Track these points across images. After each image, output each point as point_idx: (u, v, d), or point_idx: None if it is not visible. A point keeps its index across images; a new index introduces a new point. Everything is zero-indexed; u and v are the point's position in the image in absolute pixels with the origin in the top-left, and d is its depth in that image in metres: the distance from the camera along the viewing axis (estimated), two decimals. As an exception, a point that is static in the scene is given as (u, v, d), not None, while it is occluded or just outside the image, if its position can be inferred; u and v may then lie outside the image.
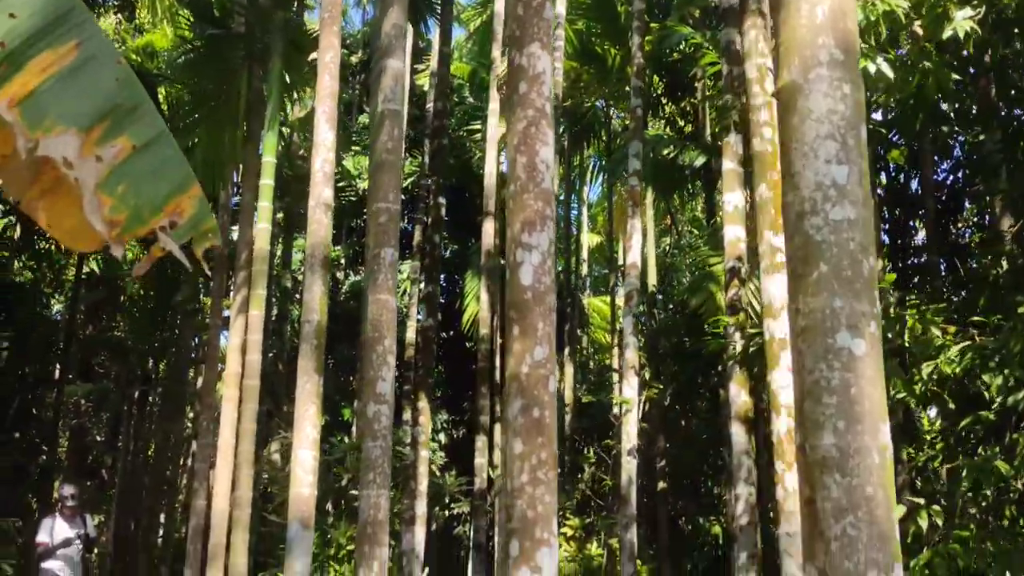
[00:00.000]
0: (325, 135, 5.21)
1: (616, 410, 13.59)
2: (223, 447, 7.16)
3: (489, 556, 12.12)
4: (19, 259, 14.56)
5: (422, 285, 16.09)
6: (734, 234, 7.44)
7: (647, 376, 10.56)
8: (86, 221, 2.33)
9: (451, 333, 17.73)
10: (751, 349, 6.45)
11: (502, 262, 15.59)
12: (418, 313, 15.10)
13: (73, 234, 2.47)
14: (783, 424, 3.88)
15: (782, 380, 4.00)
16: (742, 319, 7.22)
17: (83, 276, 14.78)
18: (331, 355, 18.13)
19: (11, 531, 10.82)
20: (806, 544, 1.68)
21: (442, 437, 17.19)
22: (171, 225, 2.47)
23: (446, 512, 16.82)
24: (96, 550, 11.28)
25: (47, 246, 13.27)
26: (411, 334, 14.34)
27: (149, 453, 15.36)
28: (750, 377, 7.14)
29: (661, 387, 10.22)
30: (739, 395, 7.08)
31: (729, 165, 7.49)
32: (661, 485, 11.38)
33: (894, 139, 9.25)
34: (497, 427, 14.42)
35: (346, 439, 10.52)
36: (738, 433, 7.04)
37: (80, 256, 14.40)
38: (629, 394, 8.61)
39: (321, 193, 5.17)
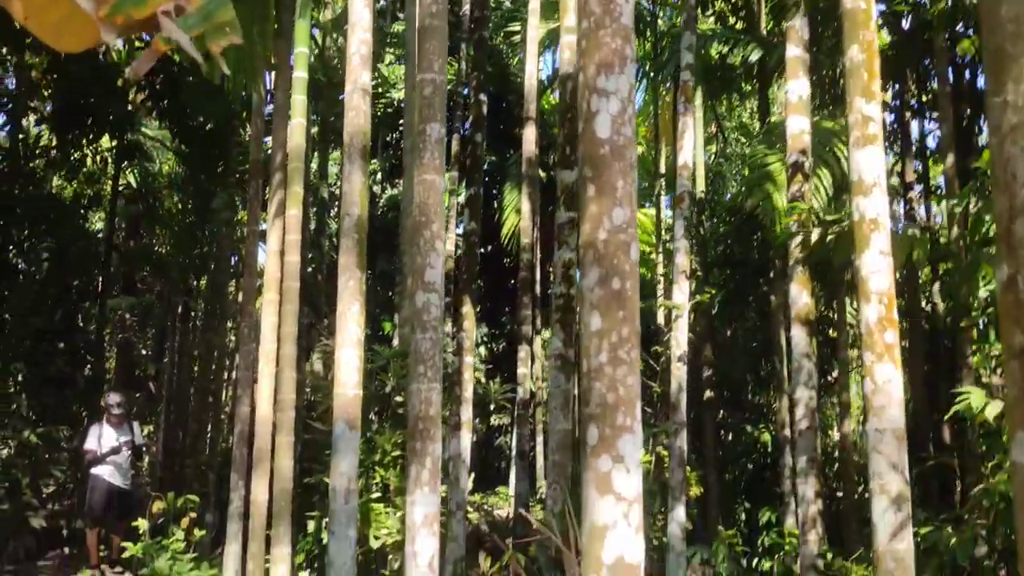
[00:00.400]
0: (361, 13, 4.81)
1: (662, 318, 13.31)
2: (265, 352, 7.00)
3: (531, 465, 12.12)
4: (57, 174, 14.46)
5: (460, 198, 15.77)
6: (798, 126, 6.97)
7: (693, 285, 10.23)
8: (72, 7, 1.96)
9: (489, 248, 17.46)
10: (829, 237, 6.04)
11: (542, 173, 15.18)
12: (457, 225, 14.82)
13: (58, 29, 2.13)
14: (873, 312, 3.54)
15: (872, 264, 3.64)
16: (805, 215, 6.81)
17: (120, 189, 14.66)
18: (370, 269, 18.02)
19: (60, 439, 10.95)
20: (1017, 406, 1.36)
21: (482, 351, 17.13)
22: (177, 11, 2.08)
23: (488, 422, 16.89)
24: (146, 458, 11.41)
25: (81, 155, 13.10)
26: (450, 246, 14.07)
27: (194, 366, 15.47)
28: (813, 277, 6.80)
29: (713, 291, 9.88)
30: (800, 296, 6.72)
31: (794, 51, 6.96)
32: (708, 394, 11.16)
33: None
34: (538, 339, 14.26)
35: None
36: (799, 336, 6.72)
37: (116, 168, 14.25)
38: (680, 299, 8.28)
39: (358, 77, 4.81)
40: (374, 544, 7.41)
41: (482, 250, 17.40)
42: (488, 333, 17.71)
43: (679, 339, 8.27)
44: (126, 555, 6.90)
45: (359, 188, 4.81)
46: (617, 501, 2.04)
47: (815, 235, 6.37)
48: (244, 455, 8.34)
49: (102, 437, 9.93)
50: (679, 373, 8.31)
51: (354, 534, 4.52)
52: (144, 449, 10.39)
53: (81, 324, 12.77)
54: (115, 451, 9.76)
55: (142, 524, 7.12)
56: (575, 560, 3.37)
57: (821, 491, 6.76)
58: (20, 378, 11.34)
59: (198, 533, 7.25)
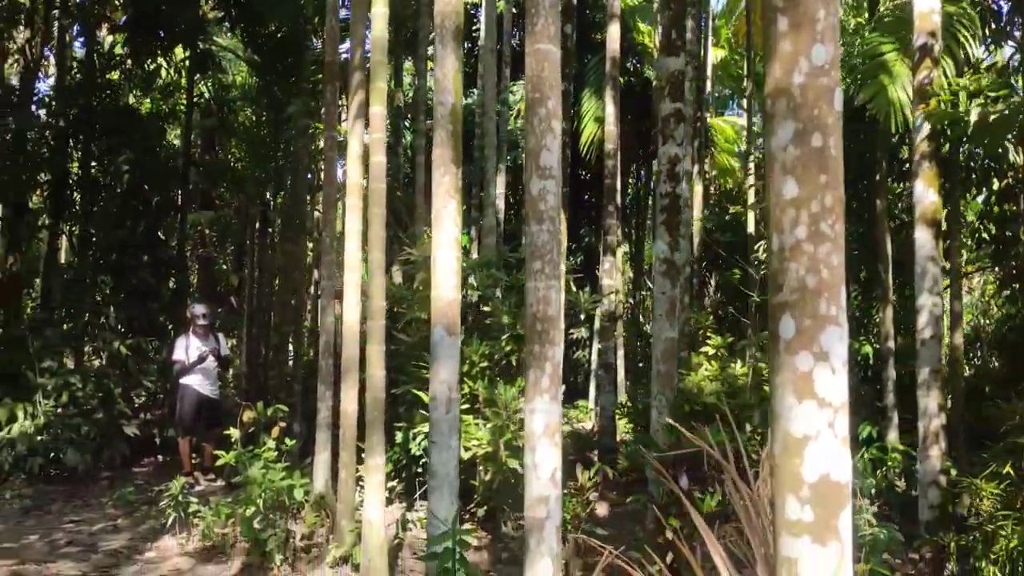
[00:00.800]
0: None
1: (752, 227, 12.69)
2: (350, 260, 6.76)
3: (614, 377, 11.84)
4: (133, 88, 14.37)
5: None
6: (927, 4, 6.23)
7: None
8: None
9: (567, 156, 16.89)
10: (992, 118, 5.40)
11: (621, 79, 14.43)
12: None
13: None
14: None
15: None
16: (933, 105, 6.13)
17: (195, 102, 14.50)
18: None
19: (148, 350, 11.09)
20: None
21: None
22: None
23: (568, 336, 16.65)
24: (231, 369, 11.51)
25: (155, 66, 12.94)
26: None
27: (274, 280, 15.53)
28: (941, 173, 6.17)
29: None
30: (927, 194, 6.12)
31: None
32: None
33: None
34: (619, 251, 13.80)
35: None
36: (923, 237, 6.14)
37: (190, 81, 14.06)
38: (783, 202, 7.74)
39: (450, -49, 4.34)
40: (464, 455, 7.26)
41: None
42: (567, 246, 17.32)
43: (782, 245, 7.77)
44: (219, 463, 6.88)
45: (452, 74, 4.39)
46: (820, 407, 1.67)
47: (974, 115, 5.70)
48: (330, 366, 8.25)
49: (189, 348, 10.00)
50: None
51: (457, 444, 4.28)
52: (229, 360, 10.44)
53: (163, 238, 12.81)
54: (202, 359, 9.83)
55: (234, 433, 7.08)
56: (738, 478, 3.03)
57: (944, 405, 6.29)
58: (108, 291, 11.47)
59: (289, 443, 7.19)
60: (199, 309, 9.91)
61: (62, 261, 14.00)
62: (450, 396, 4.27)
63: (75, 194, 12.28)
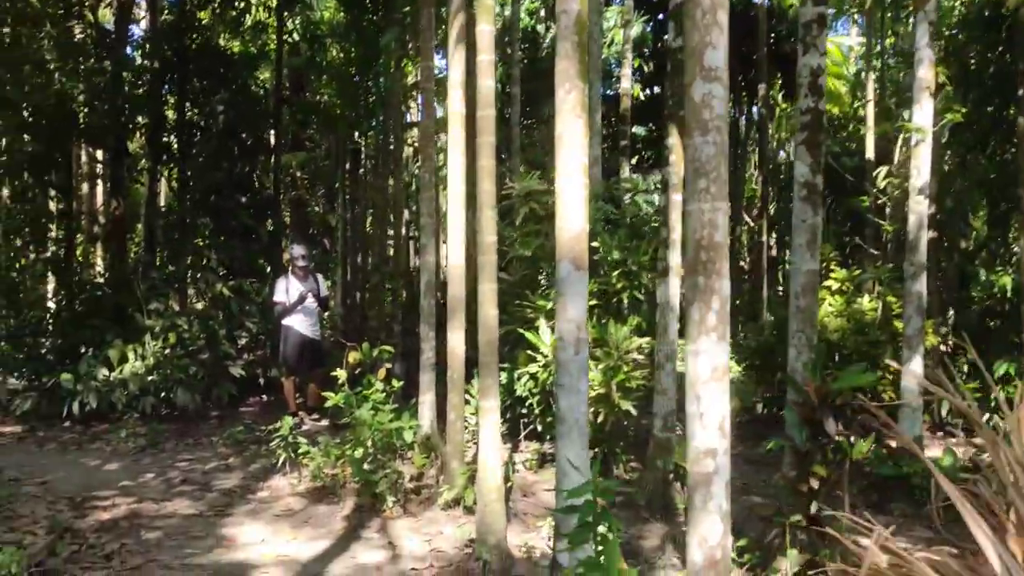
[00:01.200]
0: None
1: (872, 151, 11.82)
2: (454, 193, 6.44)
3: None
4: (224, 29, 14.27)
5: (634, 31, 14.42)
6: None
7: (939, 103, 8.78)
8: None
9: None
10: None
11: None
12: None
13: None
14: None
15: None
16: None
17: (284, 41, 14.32)
18: (532, 117, 17.15)
19: (249, 291, 11.12)
20: None
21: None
22: None
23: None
24: (328, 312, 11.50)
25: (244, 4, 12.75)
26: (626, 84, 12.96)
27: (367, 220, 15.44)
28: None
29: (962, 109, 8.42)
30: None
31: None
32: (930, 234, 9.84)
33: None
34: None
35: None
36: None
37: (279, 20, 13.86)
38: (922, 121, 7.01)
39: None
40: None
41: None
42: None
43: (921, 168, 7.06)
44: (327, 404, 6.76)
45: (577, -23, 3.94)
46: None
47: None
48: (432, 305, 8.03)
49: (289, 289, 9.96)
50: (920, 208, 7.16)
51: (586, 387, 3.95)
52: (328, 300, 10.38)
53: (258, 179, 12.80)
54: (302, 300, 9.79)
55: (340, 374, 6.96)
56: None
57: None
58: (207, 233, 11.52)
59: (396, 384, 7.02)
60: (298, 250, 9.83)
61: (162, 204, 14.17)
62: (578, 336, 3.93)
63: (172, 137, 12.32)
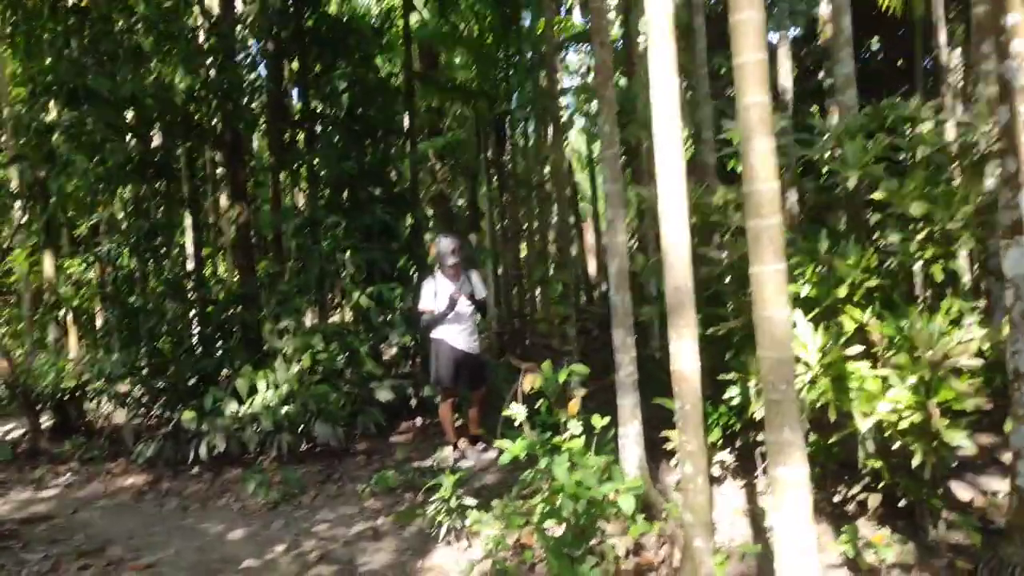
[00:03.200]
0: None
1: None
2: (664, 132, 4.26)
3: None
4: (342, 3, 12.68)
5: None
6: None
7: None
8: None
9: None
10: None
11: None
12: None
13: None
14: None
15: None
16: None
17: (411, 5, 12.52)
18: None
19: (391, 298, 9.32)
20: None
21: None
22: None
23: None
24: (485, 315, 9.52)
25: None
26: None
27: (519, 207, 13.48)
28: None
29: None
30: None
31: None
32: None
33: None
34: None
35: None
36: None
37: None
38: None
39: None
40: (858, 424, 4.64)
41: None
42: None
43: None
44: (503, 459, 4.70)
45: None
46: None
47: None
48: (626, 303, 5.89)
49: (438, 293, 8.07)
50: None
51: None
52: (485, 304, 8.38)
53: (393, 169, 11.01)
54: (453, 305, 7.86)
55: (516, 415, 4.91)
56: None
57: None
58: (340, 233, 9.83)
59: (598, 422, 4.89)
60: (445, 244, 7.89)
61: (289, 204, 12.65)
62: None
63: (293, 130, 10.74)
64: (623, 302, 5.91)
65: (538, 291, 15.13)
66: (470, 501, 5.46)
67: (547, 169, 14.53)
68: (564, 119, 13.75)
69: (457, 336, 7.97)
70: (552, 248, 13.49)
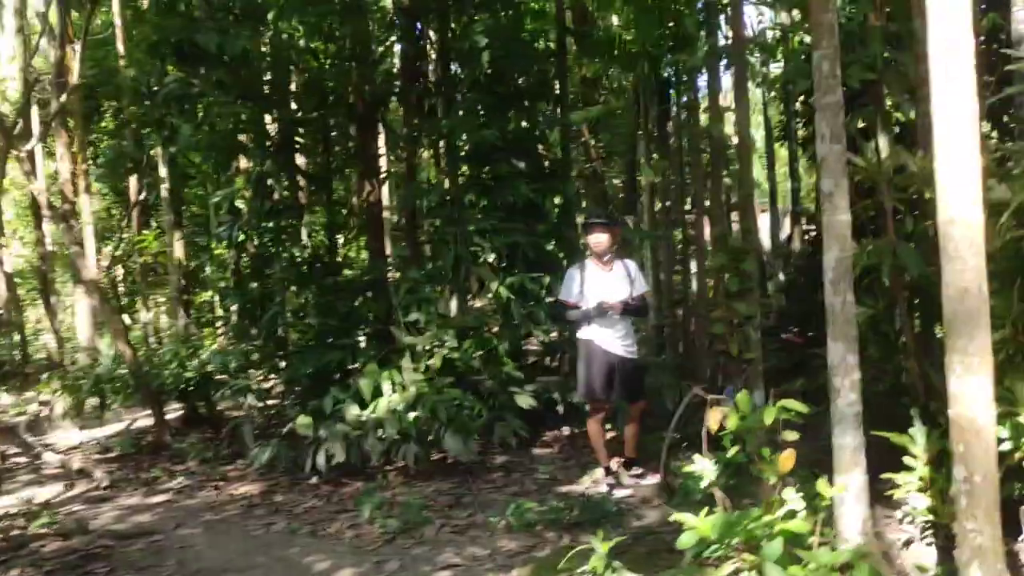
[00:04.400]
0: None
1: None
2: (950, 68, 2.64)
3: None
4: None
5: None
6: None
7: None
8: None
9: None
10: None
11: None
12: None
13: None
14: None
15: None
16: None
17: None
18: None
19: (535, 289, 8.00)
20: None
21: None
22: None
23: None
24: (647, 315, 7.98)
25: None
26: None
27: (685, 182, 11.83)
28: None
29: None
30: None
31: None
32: None
33: None
34: None
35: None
36: None
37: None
38: None
39: None
40: None
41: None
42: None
43: None
44: (685, 541, 3.22)
45: None
46: None
47: None
48: (847, 306, 4.29)
49: (585, 283, 6.65)
50: None
51: None
52: (643, 302, 6.86)
53: (540, 139, 9.64)
54: (602, 313, 6.42)
55: (702, 474, 3.45)
56: None
57: None
58: (478, 213, 8.60)
59: (825, 488, 3.34)
60: (598, 226, 6.45)
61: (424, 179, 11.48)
62: None
63: (430, 97, 9.58)
64: (843, 305, 4.30)
65: (692, 277, 13.43)
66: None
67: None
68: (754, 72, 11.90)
69: (609, 337, 6.54)
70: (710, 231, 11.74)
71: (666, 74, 12.48)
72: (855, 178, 7.95)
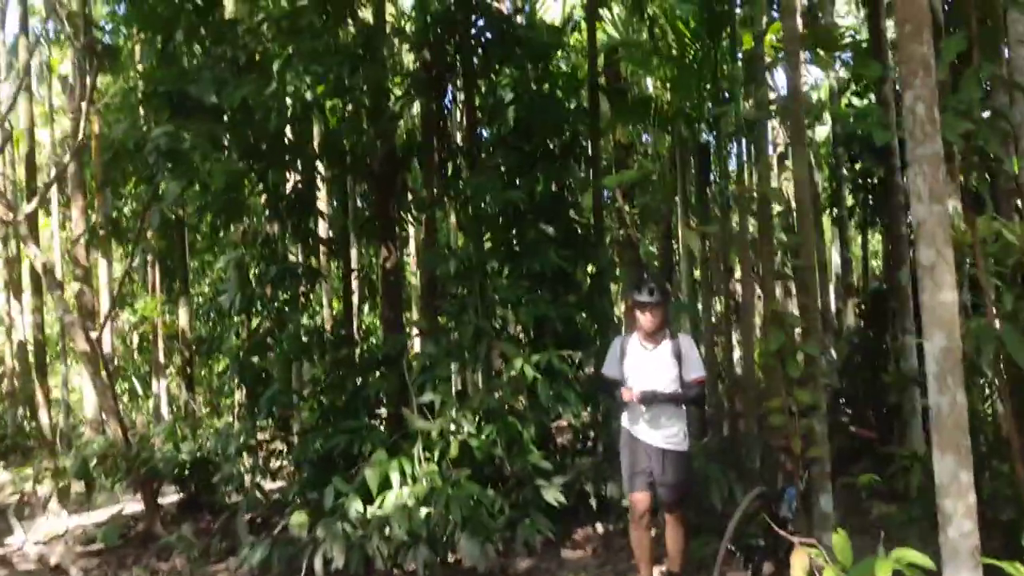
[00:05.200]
0: None
1: None
2: None
3: None
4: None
5: None
6: None
7: None
8: None
9: None
10: None
11: None
12: None
13: None
14: None
15: None
16: None
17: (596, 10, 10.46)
18: None
19: (565, 369, 7.12)
20: None
21: None
22: None
23: None
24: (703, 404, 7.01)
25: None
26: None
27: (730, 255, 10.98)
28: None
29: None
30: None
31: None
32: None
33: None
34: None
35: None
36: None
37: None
38: None
39: None
40: None
41: None
42: None
43: None
44: None
45: None
46: None
47: None
48: (960, 408, 3.41)
49: (626, 360, 5.76)
50: None
51: None
52: (700, 390, 5.91)
53: (572, 202, 8.87)
54: (645, 401, 5.52)
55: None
56: None
57: None
58: (502, 279, 7.81)
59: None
60: (643, 293, 5.57)
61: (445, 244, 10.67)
62: None
63: (453, 156, 8.91)
64: (953, 407, 3.40)
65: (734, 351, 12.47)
66: None
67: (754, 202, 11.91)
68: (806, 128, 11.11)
69: (646, 426, 5.60)
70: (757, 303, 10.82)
71: (704, 137, 11.76)
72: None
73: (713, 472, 7.36)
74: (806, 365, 5.55)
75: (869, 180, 10.68)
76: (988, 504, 5.05)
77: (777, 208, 10.16)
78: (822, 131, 15.61)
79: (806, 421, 5.59)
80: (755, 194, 8.25)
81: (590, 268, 8.51)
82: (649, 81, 14.04)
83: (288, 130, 7.25)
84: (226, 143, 6.64)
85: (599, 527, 7.60)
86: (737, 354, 16.36)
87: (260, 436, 8.78)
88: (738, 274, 13.71)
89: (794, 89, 5.72)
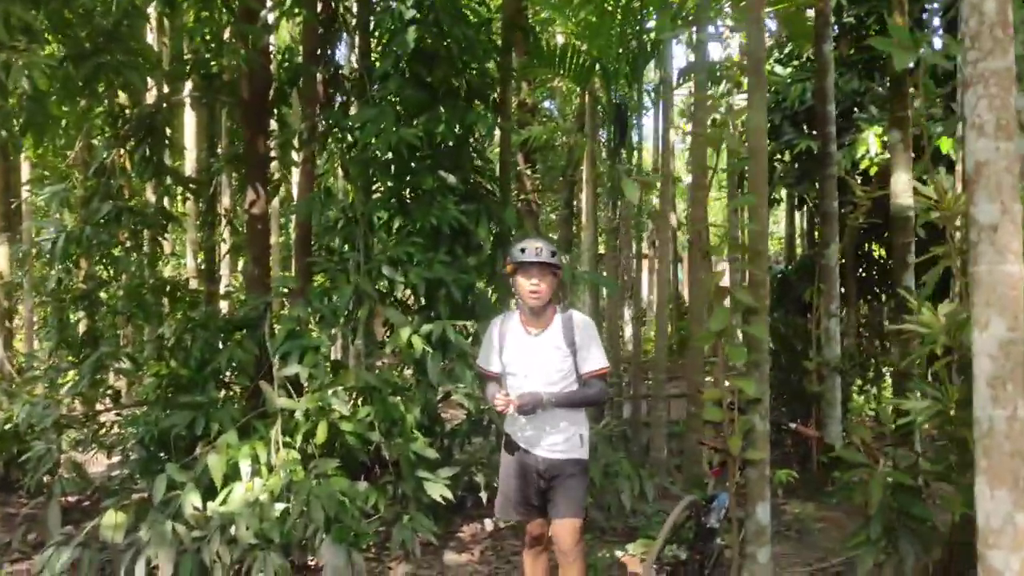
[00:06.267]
0: None
1: None
2: None
3: None
4: None
5: None
6: None
7: None
8: None
9: None
10: None
11: None
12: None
13: None
14: None
15: None
16: None
17: None
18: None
19: (459, 341, 6.03)
20: None
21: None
22: None
23: None
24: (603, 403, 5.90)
25: None
26: None
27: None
28: None
29: None
30: None
31: None
32: None
33: None
34: None
35: None
36: None
37: None
38: None
39: None
40: None
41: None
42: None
43: None
44: None
45: None
46: None
47: None
48: (1021, 420, 2.48)
49: (505, 350, 4.59)
50: None
51: None
52: (604, 385, 4.68)
53: (475, 152, 7.72)
54: (524, 411, 4.22)
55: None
56: None
57: None
58: (390, 234, 6.63)
59: None
60: (530, 252, 4.32)
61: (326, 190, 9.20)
62: None
63: (341, 87, 7.62)
64: (1013, 423, 2.48)
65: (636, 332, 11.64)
66: None
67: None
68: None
69: (529, 432, 4.46)
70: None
71: (619, 100, 10.80)
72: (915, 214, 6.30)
73: (624, 468, 6.45)
74: (752, 352, 4.63)
75: (800, 153, 9.99)
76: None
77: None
78: (741, 100, 14.98)
79: (746, 418, 4.69)
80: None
81: (493, 228, 7.40)
82: (559, 34, 13.02)
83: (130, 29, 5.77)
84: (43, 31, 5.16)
85: (488, 524, 6.61)
86: (629, 331, 15.70)
87: (93, 408, 7.36)
88: (635, 249, 12.92)
89: (756, 18, 4.75)
